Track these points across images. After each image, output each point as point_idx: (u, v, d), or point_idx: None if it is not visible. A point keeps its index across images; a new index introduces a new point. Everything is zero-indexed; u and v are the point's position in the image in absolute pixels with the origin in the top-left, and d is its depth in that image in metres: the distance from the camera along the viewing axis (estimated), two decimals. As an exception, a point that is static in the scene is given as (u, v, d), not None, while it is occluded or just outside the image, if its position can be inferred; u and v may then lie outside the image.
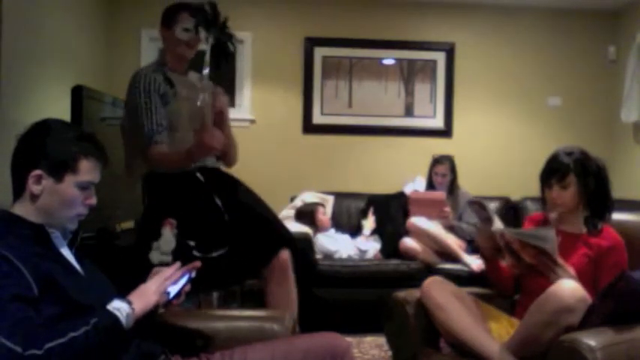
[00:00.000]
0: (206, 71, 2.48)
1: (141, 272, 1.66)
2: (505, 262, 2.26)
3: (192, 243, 2.36)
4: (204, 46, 2.44)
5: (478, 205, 2.22)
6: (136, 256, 2.40)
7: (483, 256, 2.33)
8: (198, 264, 1.67)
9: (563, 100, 5.00)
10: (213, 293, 4.10)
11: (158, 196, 2.48)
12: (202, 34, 2.44)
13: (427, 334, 2.17)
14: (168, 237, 2.28)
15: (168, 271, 1.60)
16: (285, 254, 2.51)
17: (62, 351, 1.30)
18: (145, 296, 1.51)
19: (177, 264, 1.65)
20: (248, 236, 2.42)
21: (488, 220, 2.18)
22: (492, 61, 4.98)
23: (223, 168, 2.67)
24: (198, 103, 2.43)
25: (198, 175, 2.48)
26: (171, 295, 1.58)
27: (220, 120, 2.50)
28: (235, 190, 2.55)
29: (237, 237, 2.40)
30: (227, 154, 2.63)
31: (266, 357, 1.67)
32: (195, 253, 2.34)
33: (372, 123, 4.89)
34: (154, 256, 2.23)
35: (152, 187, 2.51)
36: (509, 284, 2.35)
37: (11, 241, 1.43)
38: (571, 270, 2.05)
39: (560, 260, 2.04)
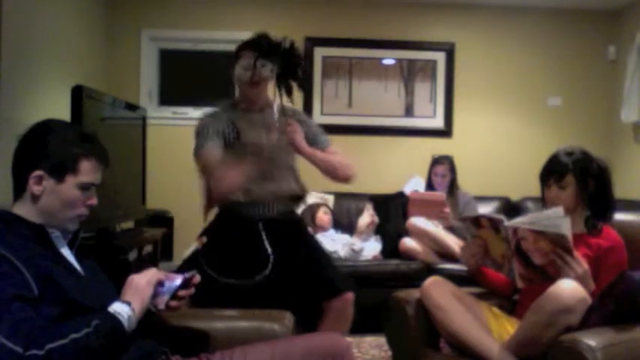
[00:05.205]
0: (277, 104, 2.39)
1: None
2: (504, 272, 2.24)
3: (213, 273, 2.27)
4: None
5: (471, 221, 2.24)
6: None
7: (469, 269, 2.35)
8: (197, 278, 1.65)
9: (564, 100, 5.00)
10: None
11: (213, 234, 2.35)
12: (268, 66, 2.32)
13: (427, 334, 2.18)
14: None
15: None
16: (349, 296, 2.43)
17: (63, 352, 1.30)
18: (139, 291, 1.50)
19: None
20: (293, 289, 2.35)
21: (476, 237, 2.22)
22: (492, 61, 4.97)
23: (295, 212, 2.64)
24: (262, 141, 2.35)
25: (260, 225, 2.40)
26: (166, 289, 1.57)
27: (297, 151, 2.44)
28: (296, 243, 2.47)
29: (281, 291, 2.32)
30: (328, 173, 2.62)
31: (266, 357, 1.67)
32: (222, 279, 2.28)
33: (372, 123, 4.88)
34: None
35: (210, 227, 2.44)
36: (505, 286, 2.35)
37: (11, 241, 1.43)
38: (584, 263, 2.00)
39: (575, 252, 2.00)
